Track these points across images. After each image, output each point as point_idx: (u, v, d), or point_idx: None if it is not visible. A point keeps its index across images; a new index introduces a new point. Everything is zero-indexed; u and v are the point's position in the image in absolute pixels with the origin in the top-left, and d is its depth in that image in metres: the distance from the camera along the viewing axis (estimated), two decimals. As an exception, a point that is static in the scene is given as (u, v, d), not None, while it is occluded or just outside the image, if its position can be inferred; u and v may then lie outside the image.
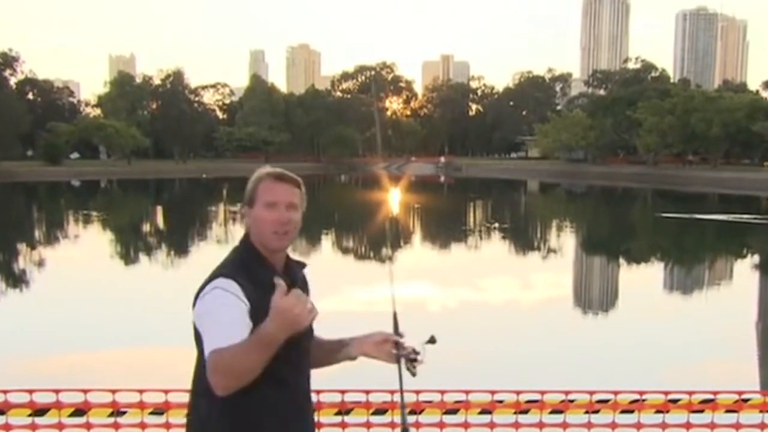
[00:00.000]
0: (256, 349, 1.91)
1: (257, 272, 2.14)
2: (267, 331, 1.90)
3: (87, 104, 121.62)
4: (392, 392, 3.42)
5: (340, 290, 13.30)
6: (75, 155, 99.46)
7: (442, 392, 3.52)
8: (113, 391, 3.42)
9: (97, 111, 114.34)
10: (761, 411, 3.63)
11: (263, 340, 1.91)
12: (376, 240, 22.83)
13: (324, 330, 2.42)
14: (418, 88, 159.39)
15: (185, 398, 3.48)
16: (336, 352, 2.46)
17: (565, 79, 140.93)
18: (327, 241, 24.10)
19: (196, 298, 2.10)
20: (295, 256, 2.38)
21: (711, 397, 3.61)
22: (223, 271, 2.12)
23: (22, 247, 22.60)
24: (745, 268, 19.26)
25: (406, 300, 13.60)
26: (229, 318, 2.00)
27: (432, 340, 2.43)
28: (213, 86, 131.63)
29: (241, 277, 2.09)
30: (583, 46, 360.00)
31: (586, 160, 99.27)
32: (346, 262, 19.02)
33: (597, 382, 4.24)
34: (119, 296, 13.42)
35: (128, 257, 20.38)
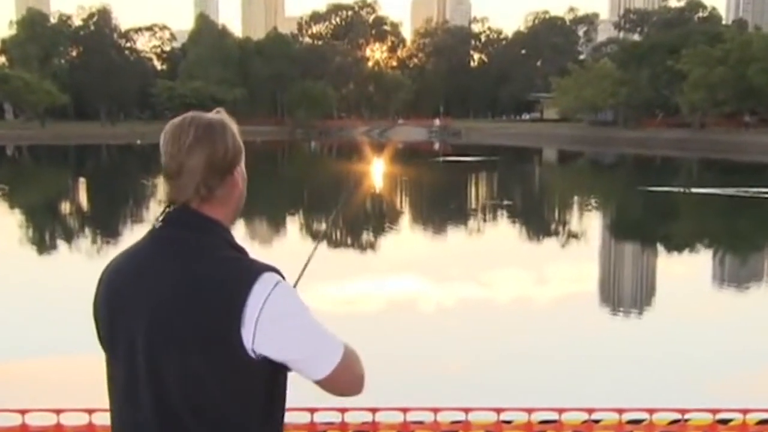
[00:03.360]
0: None
1: None
2: None
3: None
4: (374, 411, 3.42)
5: (309, 285, 13.27)
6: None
7: (436, 410, 3.52)
8: (23, 412, 3.40)
9: (1, 59, 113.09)
10: (830, 433, 3.65)
11: None
12: (354, 223, 22.80)
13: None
14: (407, 33, 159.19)
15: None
16: None
17: (590, 21, 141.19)
18: (293, 225, 24.08)
19: (238, 303, 1.92)
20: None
21: (769, 416, 3.64)
22: (264, 263, 2.03)
23: None
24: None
25: (393, 298, 13.64)
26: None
27: None
28: (149, 29, 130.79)
29: None
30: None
31: (616, 123, 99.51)
32: (317, 251, 18.99)
33: (628, 398, 4.28)
34: (28, 293, 13.33)
35: (41, 244, 20.22)
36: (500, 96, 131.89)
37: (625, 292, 14.97)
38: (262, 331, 1.91)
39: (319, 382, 2.03)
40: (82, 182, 41.84)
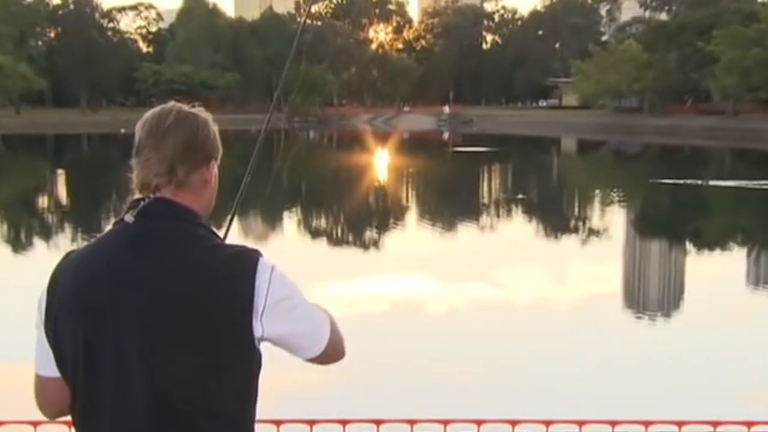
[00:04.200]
0: None
1: None
2: None
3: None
4: (378, 423, 3.42)
5: (308, 286, 13.26)
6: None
7: (446, 423, 3.52)
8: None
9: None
10: None
11: None
12: (356, 220, 22.84)
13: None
14: (414, 13, 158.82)
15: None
16: None
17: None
18: (290, 222, 24.09)
19: (243, 279, 2.02)
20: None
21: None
22: (251, 248, 2.14)
23: None
24: None
25: (400, 299, 13.63)
26: None
27: None
28: (133, 8, 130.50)
29: None
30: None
31: (642, 110, 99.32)
32: (316, 250, 19.01)
33: (654, 410, 4.28)
34: (3, 295, 13.34)
35: (16, 242, 20.25)
36: (515, 81, 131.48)
37: (649, 294, 14.97)
38: (268, 319, 2.03)
39: (313, 359, 2.17)
40: (60, 174, 41.83)
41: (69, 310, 2.06)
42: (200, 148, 2.14)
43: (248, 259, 2.05)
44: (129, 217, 2.09)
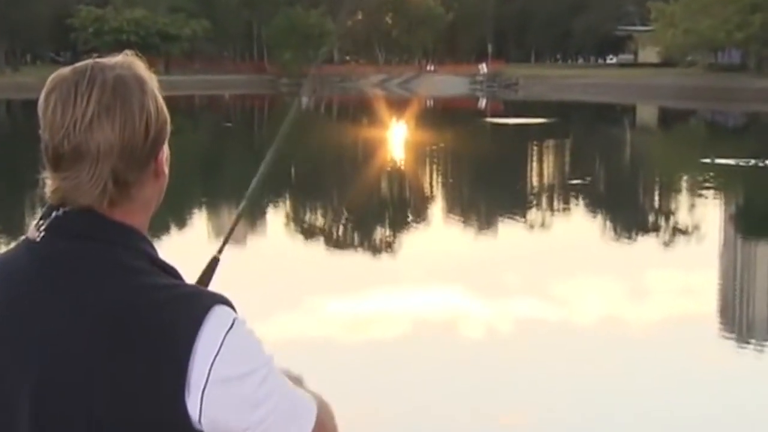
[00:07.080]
0: None
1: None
2: None
3: None
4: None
5: (301, 301, 13.27)
6: None
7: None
8: None
9: None
10: None
11: None
12: (364, 216, 22.82)
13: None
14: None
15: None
16: None
17: None
18: (278, 216, 24.10)
19: (183, 346, 1.78)
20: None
21: None
22: (210, 292, 1.95)
23: None
24: None
25: (423, 318, 13.61)
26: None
27: None
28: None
29: None
30: None
31: (746, 68, 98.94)
32: (313, 255, 19.04)
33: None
34: None
35: None
36: (574, 30, 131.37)
37: (755, 313, 14.93)
38: (212, 396, 1.80)
39: None
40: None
41: None
42: (143, 142, 1.86)
43: (195, 306, 1.82)
44: (34, 233, 1.88)
